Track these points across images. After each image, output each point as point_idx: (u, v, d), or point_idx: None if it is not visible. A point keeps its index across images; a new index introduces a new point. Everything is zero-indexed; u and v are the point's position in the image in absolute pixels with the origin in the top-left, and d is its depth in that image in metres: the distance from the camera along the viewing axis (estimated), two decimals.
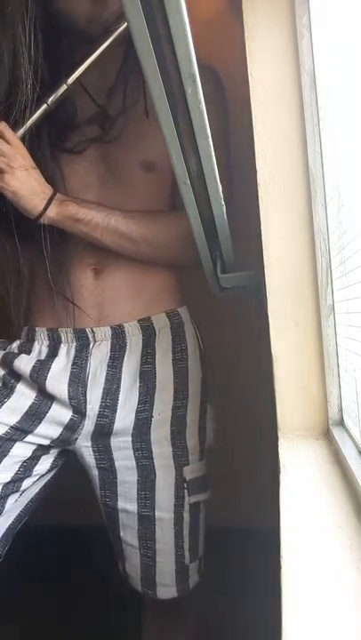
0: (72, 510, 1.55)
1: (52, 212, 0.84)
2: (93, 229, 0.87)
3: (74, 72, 0.81)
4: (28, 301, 0.98)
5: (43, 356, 0.93)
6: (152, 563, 0.93)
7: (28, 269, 0.93)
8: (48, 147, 0.88)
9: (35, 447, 0.91)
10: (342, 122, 0.64)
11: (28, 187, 0.82)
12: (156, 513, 0.92)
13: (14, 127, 0.81)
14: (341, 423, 0.73)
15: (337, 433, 0.69)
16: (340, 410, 0.73)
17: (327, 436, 0.73)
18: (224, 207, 0.68)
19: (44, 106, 0.81)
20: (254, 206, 0.72)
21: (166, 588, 0.93)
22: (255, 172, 0.71)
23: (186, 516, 0.93)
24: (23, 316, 0.98)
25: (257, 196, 0.71)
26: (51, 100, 0.81)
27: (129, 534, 0.94)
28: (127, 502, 0.94)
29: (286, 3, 0.67)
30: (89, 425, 0.92)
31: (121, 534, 0.95)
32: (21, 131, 0.81)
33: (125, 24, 0.77)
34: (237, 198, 0.90)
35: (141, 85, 0.89)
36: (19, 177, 0.81)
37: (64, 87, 0.81)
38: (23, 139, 0.82)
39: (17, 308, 0.96)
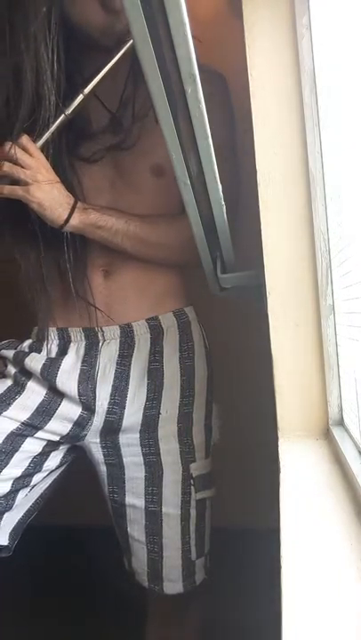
0: (73, 510, 1.55)
1: (75, 221, 0.87)
2: (114, 235, 0.90)
3: (90, 82, 0.83)
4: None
5: (53, 355, 0.95)
6: (159, 558, 0.94)
7: (48, 275, 0.95)
8: (66, 156, 0.91)
9: (45, 443, 0.93)
10: (342, 122, 0.64)
11: (52, 197, 0.84)
12: (163, 509, 0.93)
13: (34, 139, 0.83)
14: (341, 423, 0.73)
15: (337, 433, 0.69)
16: (341, 410, 0.73)
17: (327, 436, 0.73)
18: (224, 207, 0.68)
19: (62, 116, 0.84)
20: (254, 206, 0.72)
21: (173, 584, 0.94)
22: (255, 171, 0.71)
23: (192, 512, 0.95)
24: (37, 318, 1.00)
25: (257, 196, 0.71)
26: (69, 110, 0.84)
27: (136, 530, 0.95)
28: (135, 498, 0.95)
29: (286, 3, 0.67)
30: (98, 421, 0.94)
31: (128, 530, 0.96)
32: (41, 142, 0.84)
33: None
34: (242, 200, 0.90)
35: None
36: (43, 188, 0.83)
37: (81, 97, 0.83)
38: (42, 149, 0.84)
39: (44, 314, 0.99)
